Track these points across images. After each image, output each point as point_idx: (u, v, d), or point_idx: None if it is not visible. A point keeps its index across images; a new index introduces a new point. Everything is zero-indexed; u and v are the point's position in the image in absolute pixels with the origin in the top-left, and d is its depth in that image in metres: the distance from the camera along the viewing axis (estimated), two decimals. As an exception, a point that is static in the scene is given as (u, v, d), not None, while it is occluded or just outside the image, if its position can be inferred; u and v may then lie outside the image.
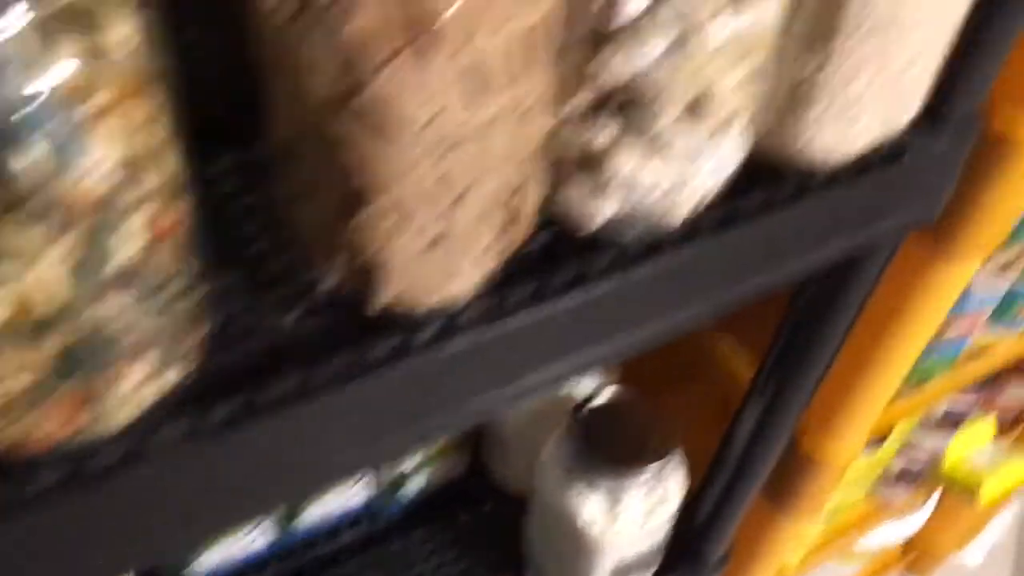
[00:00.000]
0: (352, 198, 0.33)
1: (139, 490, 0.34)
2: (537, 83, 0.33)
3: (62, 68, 0.25)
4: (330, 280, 0.37)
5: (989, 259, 0.70)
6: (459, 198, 0.34)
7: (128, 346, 0.30)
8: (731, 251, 0.45)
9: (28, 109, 0.24)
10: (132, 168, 0.28)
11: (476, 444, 0.87)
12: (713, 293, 0.47)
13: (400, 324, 0.38)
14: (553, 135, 0.38)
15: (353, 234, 0.34)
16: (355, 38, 0.28)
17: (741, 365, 0.81)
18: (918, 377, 0.82)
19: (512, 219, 0.37)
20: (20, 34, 0.24)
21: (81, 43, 0.25)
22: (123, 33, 0.27)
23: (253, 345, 0.37)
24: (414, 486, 0.85)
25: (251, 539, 0.76)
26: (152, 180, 0.28)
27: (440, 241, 0.35)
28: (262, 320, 0.38)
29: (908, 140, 0.46)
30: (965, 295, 0.75)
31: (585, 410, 0.70)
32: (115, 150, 0.27)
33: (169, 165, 0.28)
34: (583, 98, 0.36)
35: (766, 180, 0.45)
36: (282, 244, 0.38)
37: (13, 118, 0.24)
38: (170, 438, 0.34)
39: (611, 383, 0.81)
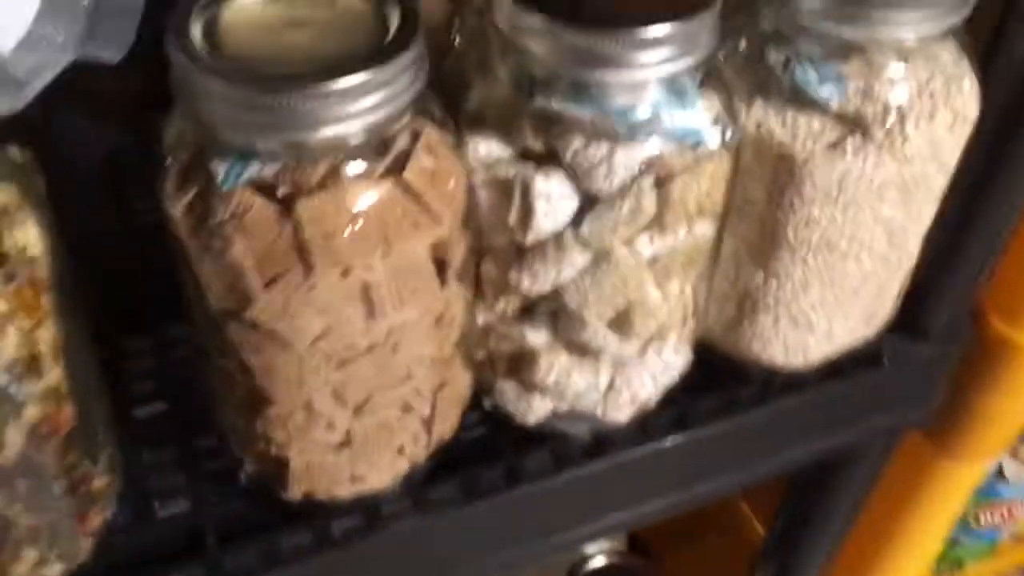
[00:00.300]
0: (257, 396, 0.33)
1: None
2: (445, 296, 0.32)
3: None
4: (248, 467, 0.37)
5: (1016, 450, 0.66)
6: (365, 402, 0.33)
7: (13, 539, 0.31)
8: (688, 451, 0.43)
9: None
10: (17, 371, 0.28)
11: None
12: (668, 492, 0.45)
13: (320, 513, 0.38)
14: (483, 334, 0.38)
15: (261, 429, 0.34)
16: (238, 261, 0.28)
17: (757, 522, 0.77)
18: (950, 563, 0.77)
19: (433, 416, 0.37)
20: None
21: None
22: (22, 245, 0.28)
23: (169, 528, 0.37)
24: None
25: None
26: (37, 384, 0.29)
27: (350, 440, 0.35)
28: (184, 500, 0.38)
29: (884, 346, 0.44)
30: (997, 484, 0.70)
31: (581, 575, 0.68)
32: (4, 354, 0.28)
33: (56, 370, 0.29)
34: (510, 303, 0.36)
35: (728, 379, 0.44)
36: (211, 423, 0.39)
37: None
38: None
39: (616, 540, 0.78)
